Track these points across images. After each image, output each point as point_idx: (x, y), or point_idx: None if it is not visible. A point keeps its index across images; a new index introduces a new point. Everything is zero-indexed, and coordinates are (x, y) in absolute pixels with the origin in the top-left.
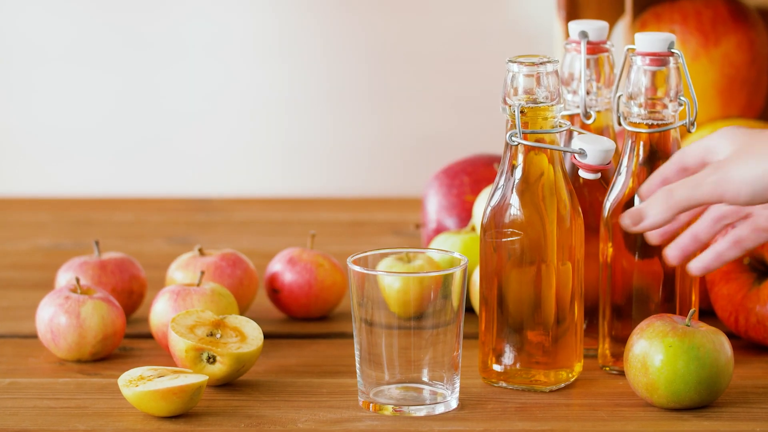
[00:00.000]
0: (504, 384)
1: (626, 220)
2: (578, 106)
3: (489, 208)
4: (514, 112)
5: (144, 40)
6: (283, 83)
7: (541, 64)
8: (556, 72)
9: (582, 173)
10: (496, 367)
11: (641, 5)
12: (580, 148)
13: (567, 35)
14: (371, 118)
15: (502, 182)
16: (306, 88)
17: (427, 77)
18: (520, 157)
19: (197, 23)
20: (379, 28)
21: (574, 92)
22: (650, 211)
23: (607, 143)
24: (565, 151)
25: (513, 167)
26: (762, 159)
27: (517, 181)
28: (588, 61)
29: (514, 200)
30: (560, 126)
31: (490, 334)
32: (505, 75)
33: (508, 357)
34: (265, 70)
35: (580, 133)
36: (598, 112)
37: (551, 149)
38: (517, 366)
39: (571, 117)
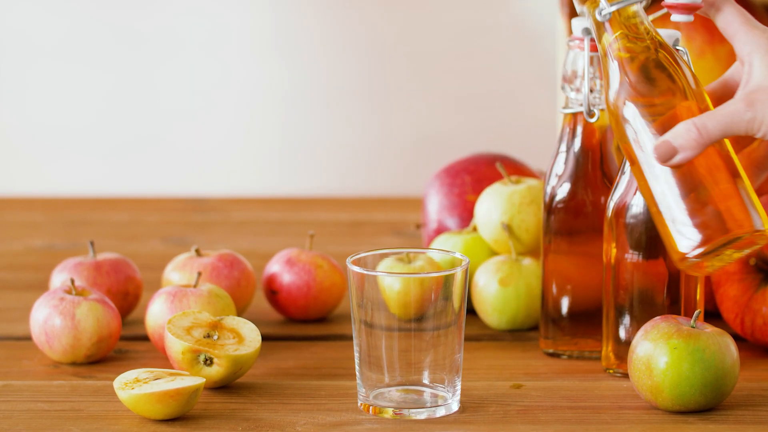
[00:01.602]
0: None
1: (657, 154)
2: (581, 104)
3: (615, 100)
4: None
5: (139, 37)
6: (282, 81)
7: None
8: None
9: (675, 16)
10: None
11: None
12: None
13: (570, 32)
14: (371, 117)
15: (627, 76)
16: (305, 86)
17: (428, 75)
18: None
19: (194, 19)
20: (379, 26)
21: (578, 90)
22: (683, 146)
23: None
24: None
25: (618, 51)
26: None
27: (631, 66)
28: (591, 58)
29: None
30: None
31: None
32: None
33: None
34: (263, 68)
35: None
36: (602, 110)
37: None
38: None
39: (574, 115)
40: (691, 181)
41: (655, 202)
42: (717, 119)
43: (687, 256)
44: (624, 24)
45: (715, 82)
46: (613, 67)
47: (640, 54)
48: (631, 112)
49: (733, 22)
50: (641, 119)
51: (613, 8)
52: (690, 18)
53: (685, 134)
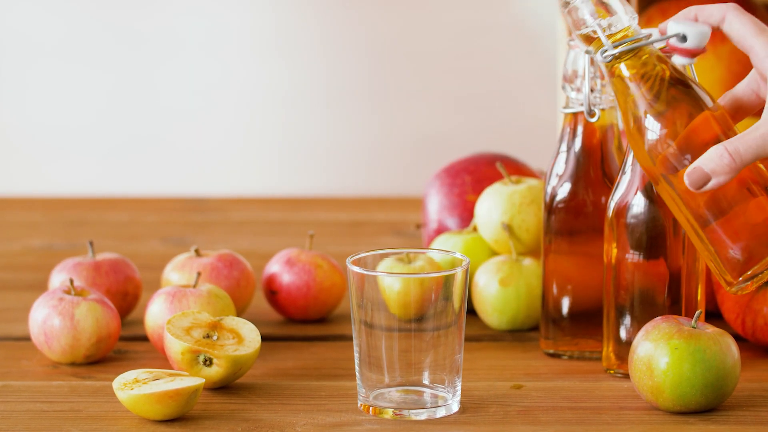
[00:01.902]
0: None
1: (689, 181)
2: (582, 104)
3: (633, 124)
4: (597, 29)
5: (139, 37)
6: (282, 80)
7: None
8: None
9: (678, 59)
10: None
11: (647, 1)
12: (681, 34)
13: (570, 32)
14: (371, 117)
15: (642, 101)
16: (305, 86)
17: (428, 75)
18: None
19: (193, 19)
20: (379, 26)
21: (578, 90)
22: (715, 172)
23: (702, 25)
24: (664, 40)
25: (638, 75)
26: None
27: (643, 89)
28: (591, 58)
29: (647, 104)
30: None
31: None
32: (575, 14)
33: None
34: (263, 67)
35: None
36: (602, 110)
37: (650, 44)
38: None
39: (574, 115)
40: (726, 203)
41: (692, 229)
42: (748, 143)
43: (737, 280)
44: (633, 58)
45: (725, 99)
46: (630, 98)
47: (653, 80)
48: (653, 135)
49: (746, 34)
50: (666, 143)
51: (617, 51)
52: (693, 61)
53: (717, 159)
